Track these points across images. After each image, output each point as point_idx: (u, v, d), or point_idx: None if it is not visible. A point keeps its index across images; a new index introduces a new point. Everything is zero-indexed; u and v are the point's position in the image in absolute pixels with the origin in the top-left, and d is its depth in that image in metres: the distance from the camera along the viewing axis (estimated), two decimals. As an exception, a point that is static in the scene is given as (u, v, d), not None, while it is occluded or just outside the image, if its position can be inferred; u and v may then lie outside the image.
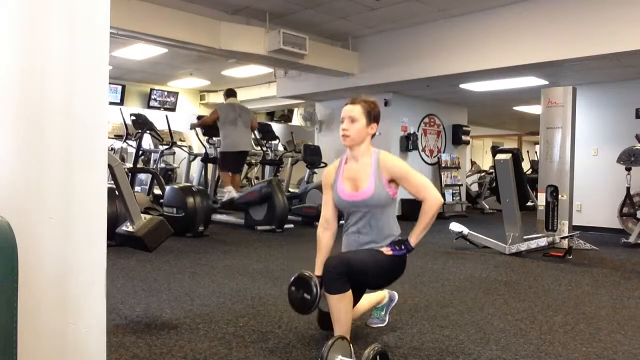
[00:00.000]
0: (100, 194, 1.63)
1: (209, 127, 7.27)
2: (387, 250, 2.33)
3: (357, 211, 2.37)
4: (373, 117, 2.40)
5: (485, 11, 6.41)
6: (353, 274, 2.23)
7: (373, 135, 2.44)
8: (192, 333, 2.65)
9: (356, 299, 2.38)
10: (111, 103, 9.28)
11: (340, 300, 2.20)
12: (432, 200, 2.31)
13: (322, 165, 8.01)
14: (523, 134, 16.69)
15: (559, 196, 5.64)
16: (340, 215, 2.52)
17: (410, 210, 8.91)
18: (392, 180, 2.35)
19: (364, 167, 2.38)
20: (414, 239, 2.36)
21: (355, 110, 2.36)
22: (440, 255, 5.31)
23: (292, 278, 2.36)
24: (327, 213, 2.48)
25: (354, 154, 2.41)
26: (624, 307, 3.43)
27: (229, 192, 6.94)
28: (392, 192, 2.37)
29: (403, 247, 2.34)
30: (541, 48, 5.96)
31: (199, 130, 7.59)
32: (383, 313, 2.83)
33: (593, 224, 7.54)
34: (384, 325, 2.80)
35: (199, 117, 7.84)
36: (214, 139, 7.49)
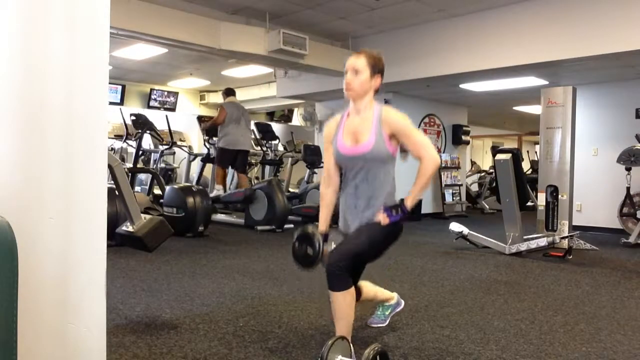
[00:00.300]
0: (100, 194, 1.63)
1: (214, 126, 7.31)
2: (383, 218, 2.25)
3: (356, 166, 2.32)
4: (377, 70, 2.33)
5: (485, 11, 6.41)
6: (355, 262, 2.23)
7: (377, 90, 2.36)
8: (192, 333, 2.65)
9: (357, 275, 2.39)
10: (111, 103, 9.27)
11: (344, 298, 2.19)
12: (430, 159, 2.23)
13: (322, 165, 8.01)
14: (523, 134, 16.69)
15: (559, 196, 5.64)
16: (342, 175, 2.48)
17: (410, 210, 8.91)
18: (392, 136, 2.28)
19: (365, 120, 2.31)
20: (410, 201, 2.27)
21: (360, 62, 2.29)
22: (440, 255, 5.31)
23: (296, 234, 2.37)
24: (330, 168, 2.45)
25: (357, 107, 2.35)
26: (624, 307, 3.43)
27: (217, 190, 7.08)
28: (393, 148, 2.30)
29: (400, 210, 2.26)
30: (541, 48, 5.96)
31: (203, 131, 7.63)
32: (387, 313, 2.80)
33: (593, 224, 7.54)
34: (384, 325, 2.79)
35: (199, 117, 7.84)
36: (214, 138, 7.50)
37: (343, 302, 2.19)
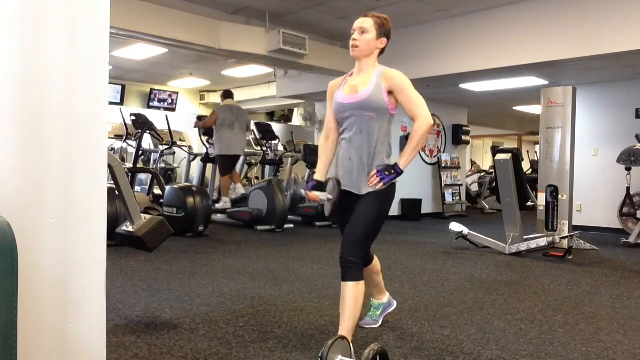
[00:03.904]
0: (100, 194, 1.63)
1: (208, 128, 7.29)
2: (377, 182, 2.27)
3: (351, 116, 2.35)
4: (384, 32, 2.39)
5: (486, 11, 6.41)
6: (367, 246, 2.35)
7: (382, 51, 2.43)
8: (192, 333, 2.65)
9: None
10: (111, 103, 9.28)
11: (356, 288, 2.25)
12: (423, 119, 2.29)
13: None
14: (523, 134, 16.69)
15: (559, 196, 5.64)
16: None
17: (410, 210, 8.93)
18: (391, 93, 2.33)
19: (367, 76, 2.38)
20: (403, 160, 2.31)
21: (367, 22, 2.37)
22: (440, 255, 5.31)
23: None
24: (330, 123, 2.51)
25: (361, 66, 2.41)
26: (624, 307, 3.43)
27: (225, 203, 7.06)
28: (390, 104, 2.33)
29: (393, 171, 2.29)
30: (541, 48, 5.96)
31: (196, 130, 7.62)
32: (379, 313, 2.83)
33: (593, 224, 7.54)
34: (376, 326, 2.80)
35: (199, 117, 7.84)
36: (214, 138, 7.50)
37: (353, 292, 2.25)
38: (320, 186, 2.40)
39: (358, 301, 2.26)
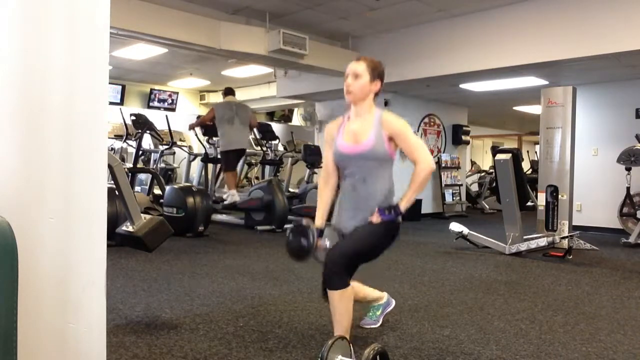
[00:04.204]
0: (100, 194, 1.62)
1: (208, 126, 7.26)
2: (376, 217, 2.29)
3: (354, 165, 2.36)
4: (377, 74, 2.40)
5: (486, 11, 6.41)
6: (353, 261, 2.26)
7: (377, 94, 2.44)
8: (192, 333, 2.65)
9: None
10: (111, 103, 9.27)
11: (341, 297, 2.21)
12: (424, 163, 2.29)
13: (322, 165, 7.99)
14: (523, 134, 16.69)
15: (559, 196, 5.64)
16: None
17: (410, 210, 8.90)
18: (391, 139, 2.34)
19: (366, 122, 2.38)
20: (404, 203, 2.33)
21: (360, 67, 2.38)
22: (440, 255, 5.31)
23: (290, 226, 2.40)
24: (329, 167, 2.51)
25: (357, 111, 2.42)
26: (624, 307, 3.43)
27: (232, 196, 6.94)
28: (391, 150, 2.35)
29: (393, 211, 2.31)
30: (541, 48, 5.96)
31: (198, 130, 7.58)
32: (378, 314, 2.83)
33: (593, 224, 7.53)
34: (376, 326, 2.80)
35: (199, 117, 7.84)
36: (214, 138, 7.49)
37: (340, 301, 2.21)
38: (321, 232, 2.37)
39: (347, 308, 2.24)
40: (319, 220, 2.43)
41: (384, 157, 2.33)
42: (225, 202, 7.05)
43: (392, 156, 2.37)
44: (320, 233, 2.35)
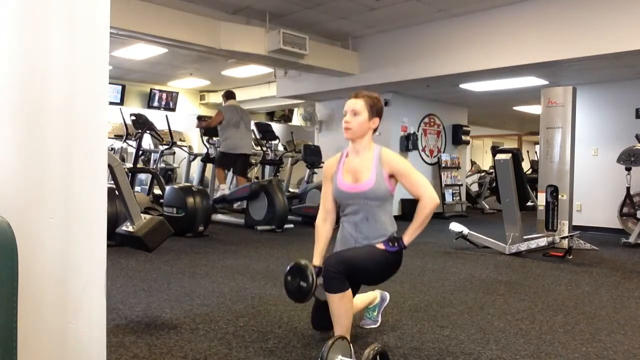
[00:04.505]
0: (100, 194, 1.62)
1: (210, 127, 7.31)
2: (380, 247, 2.34)
3: (355, 204, 2.38)
4: (375, 111, 2.42)
5: (486, 11, 6.41)
6: (352, 271, 2.24)
7: (375, 130, 2.46)
8: (192, 333, 2.65)
9: (353, 292, 2.39)
10: (111, 103, 9.27)
11: (341, 300, 2.21)
12: (428, 199, 2.32)
13: (322, 165, 8.01)
14: (523, 134, 16.69)
15: (559, 196, 5.64)
16: (339, 210, 2.53)
17: (410, 210, 8.89)
18: (392, 176, 2.37)
19: (365, 160, 2.40)
20: (407, 237, 2.36)
21: (358, 104, 2.39)
22: (440, 255, 5.31)
23: (288, 267, 2.36)
24: (327, 204, 2.51)
25: (356, 148, 2.44)
26: (624, 307, 3.43)
27: (222, 190, 7.04)
28: (392, 187, 2.39)
29: (397, 244, 2.34)
30: (541, 48, 5.96)
31: (198, 130, 7.63)
32: (375, 314, 2.83)
33: (593, 224, 7.53)
34: (376, 326, 2.80)
35: (199, 117, 7.85)
36: (214, 138, 7.50)
37: (340, 304, 2.21)
38: (320, 271, 2.33)
39: (347, 310, 2.24)
40: (317, 258, 2.42)
41: (385, 195, 2.36)
42: (215, 197, 7.12)
43: (392, 192, 2.40)
44: (319, 271, 2.31)
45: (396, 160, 2.38)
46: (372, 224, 2.37)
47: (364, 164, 2.39)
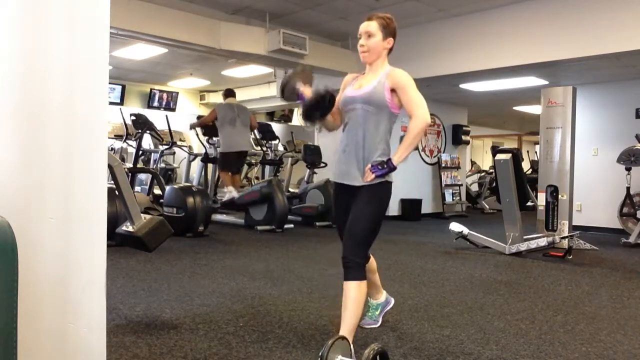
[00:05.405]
0: (100, 194, 1.63)
1: (208, 127, 7.28)
2: (369, 175, 2.32)
3: (354, 109, 2.40)
4: (389, 31, 2.46)
5: (485, 11, 6.41)
6: (369, 242, 2.35)
7: (390, 51, 2.50)
8: (192, 333, 2.65)
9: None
10: (111, 103, 9.27)
11: (357, 287, 2.26)
12: (420, 118, 2.32)
13: (322, 165, 8.01)
14: (523, 134, 16.69)
15: (559, 196, 5.64)
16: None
17: (410, 210, 8.92)
18: (393, 91, 2.38)
19: (376, 75, 2.44)
20: (397, 157, 2.35)
21: (372, 26, 2.43)
22: (440, 255, 5.31)
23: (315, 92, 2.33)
24: (334, 110, 2.52)
25: (373, 68, 2.48)
26: (624, 307, 3.43)
27: (230, 192, 6.96)
28: (391, 100, 2.37)
29: (385, 166, 2.33)
30: (541, 48, 5.96)
31: (198, 130, 7.60)
32: (377, 313, 2.84)
33: (593, 224, 7.54)
34: (376, 326, 2.80)
35: (199, 117, 7.85)
36: (214, 139, 7.49)
37: (355, 292, 2.26)
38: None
39: (360, 301, 2.28)
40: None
41: (381, 103, 2.36)
42: (224, 200, 7.06)
43: (392, 108, 2.39)
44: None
45: (400, 75, 2.40)
46: (363, 132, 2.36)
47: (374, 77, 2.44)
